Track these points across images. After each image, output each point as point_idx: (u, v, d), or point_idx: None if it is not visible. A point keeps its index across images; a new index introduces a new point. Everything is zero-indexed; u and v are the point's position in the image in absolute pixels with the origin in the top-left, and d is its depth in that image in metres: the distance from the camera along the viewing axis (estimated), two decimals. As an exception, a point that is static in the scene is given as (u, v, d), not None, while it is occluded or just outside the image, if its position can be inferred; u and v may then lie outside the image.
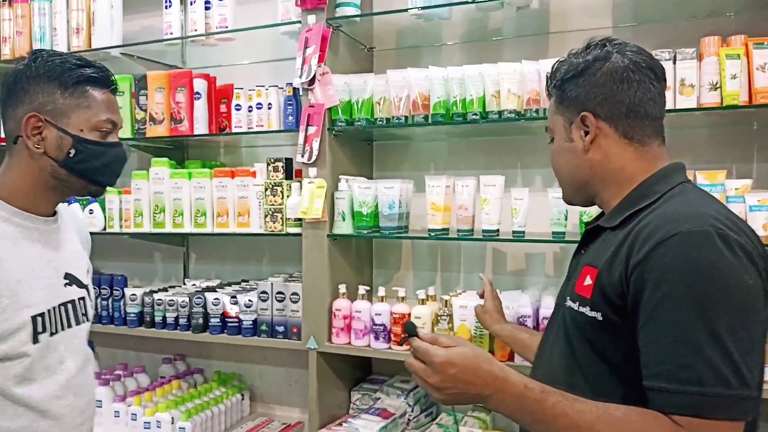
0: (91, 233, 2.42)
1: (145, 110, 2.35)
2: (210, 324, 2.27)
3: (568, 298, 1.01)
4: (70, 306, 1.25)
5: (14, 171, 1.22)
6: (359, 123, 2.03)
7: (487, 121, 1.88)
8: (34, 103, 1.18)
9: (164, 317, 2.34)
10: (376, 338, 2.01)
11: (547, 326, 1.10)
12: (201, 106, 2.27)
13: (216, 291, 2.32)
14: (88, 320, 1.32)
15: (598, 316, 0.91)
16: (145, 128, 2.35)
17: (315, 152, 2.02)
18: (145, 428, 2.31)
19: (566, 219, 1.83)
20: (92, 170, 1.23)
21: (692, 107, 1.67)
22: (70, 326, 1.25)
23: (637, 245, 0.86)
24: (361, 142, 2.31)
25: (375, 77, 2.03)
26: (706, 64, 1.65)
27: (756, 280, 0.81)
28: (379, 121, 2.01)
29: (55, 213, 1.29)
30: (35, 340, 1.15)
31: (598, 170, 1.01)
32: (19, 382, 1.13)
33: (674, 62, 1.68)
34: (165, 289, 2.45)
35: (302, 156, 2.04)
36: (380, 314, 2.00)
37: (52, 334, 1.19)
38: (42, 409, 1.17)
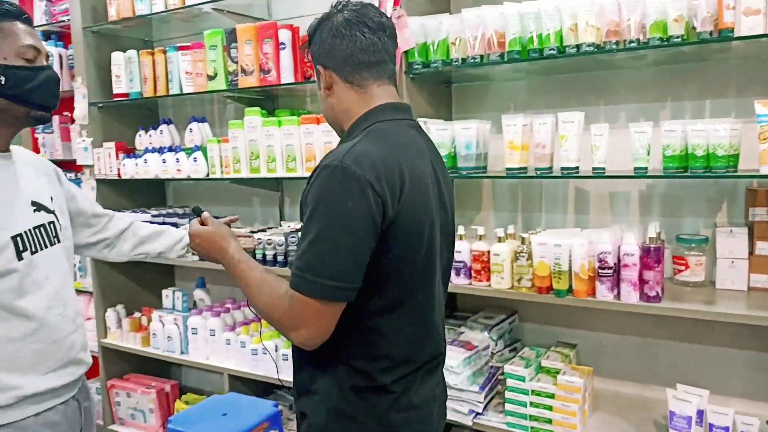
0: (196, 179, 2.70)
1: (237, 62, 2.49)
2: (303, 261, 2.44)
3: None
4: (42, 229, 1.44)
5: None
6: (435, 64, 2.04)
7: (564, 55, 1.83)
8: None
9: (264, 255, 2.55)
10: (457, 275, 2.09)
11: None
12: (286, 56, 2.37)
13: (308, 231, 2.48)
14: (59, 242, 1.49)
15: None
16: (237, 80, 2.50)
17: (393, 96, 2.07)
18: (252, 354, 2.58)
19: (648, 154, 1.78)
20: (27, 92, 1.36)
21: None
22: (46, 246, 1.44)
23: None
24: (440, 85, 2.32)
25: (450, 17, 2.02)
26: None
27: (359, 204, 1.07)
28: (455, 61, 2.01)
29: (8, 150, 1.44)
30: (19, 258, 1.35)
31: (337, 111, 1.25)
32: (15, 296, 1.34)
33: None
34: (264, 230, 2.66)
35: (381, 100, 2.10)
36: (460, 252, 2.07)
37: (33, 252, 1.39)
38: (39, 317, 1.38)
